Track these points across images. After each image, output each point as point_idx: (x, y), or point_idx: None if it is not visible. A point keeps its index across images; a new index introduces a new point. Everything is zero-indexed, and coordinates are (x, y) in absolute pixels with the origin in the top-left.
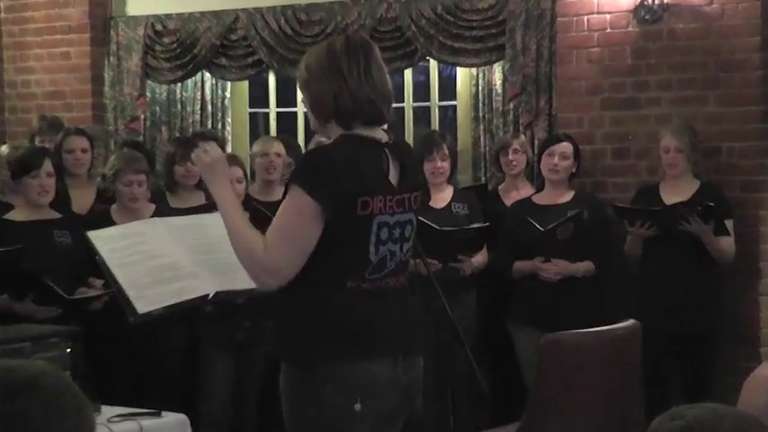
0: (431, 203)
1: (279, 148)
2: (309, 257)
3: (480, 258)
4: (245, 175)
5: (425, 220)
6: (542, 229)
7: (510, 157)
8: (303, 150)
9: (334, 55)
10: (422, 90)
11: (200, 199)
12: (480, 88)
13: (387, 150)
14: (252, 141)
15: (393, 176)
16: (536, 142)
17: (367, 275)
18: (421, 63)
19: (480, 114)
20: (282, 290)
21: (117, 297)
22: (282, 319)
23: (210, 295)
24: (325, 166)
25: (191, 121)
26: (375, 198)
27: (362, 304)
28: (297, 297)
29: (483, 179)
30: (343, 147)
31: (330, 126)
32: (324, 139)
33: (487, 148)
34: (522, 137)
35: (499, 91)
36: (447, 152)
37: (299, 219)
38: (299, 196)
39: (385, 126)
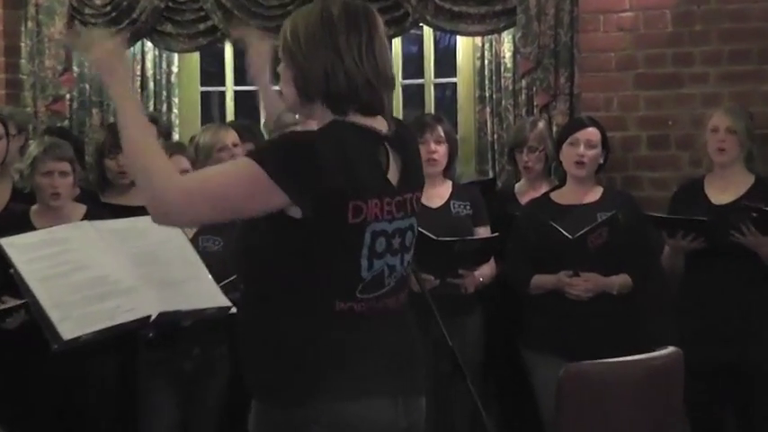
0: (424, 201)
1: (234, 136)
2: (287, 271)
3: (487, 271)
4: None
5: (419, 228)
6: (571, 237)
7: (525, 157)
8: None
9: (331, 24)
10: (414, 64)
11: (136, 196)
12: (486, 62)
13: (386, 143)
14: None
15: (393, 175)
16: (554, 128)
17: (359, 295)
18: (413, 31)
19: (486, 94)
20: (253, 311)
21: (37, 319)
22: (255, 347)
23: (152, 317)
24: (307, 159)
25: None
26: (371, 202)
27: (355, 330)
28: (274, 321)
29: (490, 173)
30: (333, 136)
31: (315, 107)
32: (294, 123)
33: (495, 136)
34: (541, 125)
35: (509, 65)
36: (443, 135)
37: (242, 180)
38: (254, 167)
39: (385, 114)
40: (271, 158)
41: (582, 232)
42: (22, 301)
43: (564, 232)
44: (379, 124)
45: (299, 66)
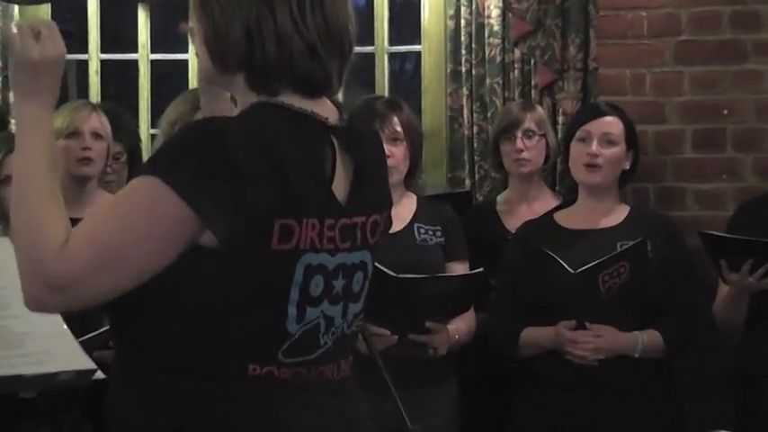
0: None
1: (99, 120)
2: (181, 320)
3: (464, 325)
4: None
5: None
6: (573, 272)
7: (518, 143)
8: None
9: None
10: (360, 24)
11: None
12: (463, 22)
13: (334, 138)
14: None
15: (340, 186)
16: (560, 119)
17: (282, 357)
18: None
19: (462, 69)
20: (128, 378)
21: None
22: (132, 428)
23: None
24: (218, 158)
25: None
26: (306, 222)
27: (275, 406)
28: (158, 392)
29: (467, 183)
30: (256, 124)
31: (235, 80)
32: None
33: (475, 129)
34: (541, 109)
35: (496, 28)
36: (401, 130)
37: (143, 223)
38: (158, 190)
39: (334, 96)
40: (172, 166)
41: (588, 266)
42: None
43: (564, 265)
44: (325, 110)
45: (212, 19)
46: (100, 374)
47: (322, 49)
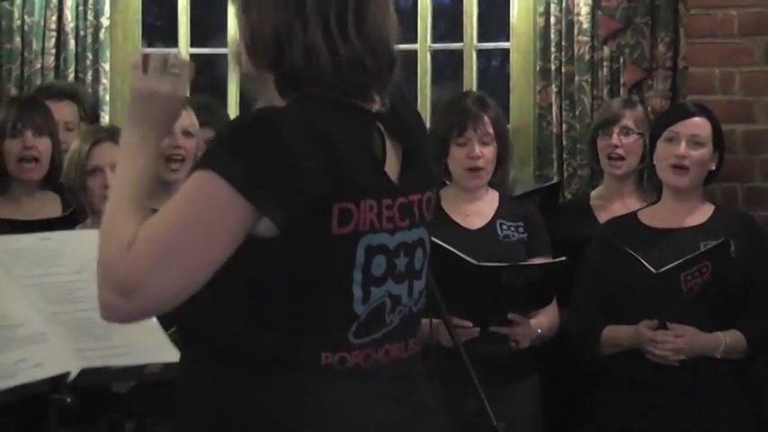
0: (459, 220)
1: (188, 118)
2: (250, 312)
3: (545, 319)
4: None
5: (450, 248)
6: (655, 272)
7: (614, 139)
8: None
9: None
10: (446, 21)
11: (51, 205)
12: (552, 20)
13: (380, 124)
14: None
15: (392, 167)
16: (649, 117)
17: (352, 339)
18: None
19: (551, 67)
20: (203, 369)
21: None
22: (206, 420)
23: (72, 375)
24: (271, 146)
25: (38, 66)
26: (364, 204)
27: (348, 398)
28: (232, 383)
29: (555, 179)
30: (305, 112)
31: (268, 80)
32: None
33: (564, 127)
34: (642, 108)
35: (585, 26)
36: (491, 130)
37: (202, 218)
38: (212, 183)
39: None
40: (225, 159)
41: (671, 266)
42: None
43: (647, 265)
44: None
45: (250, 18)
46: None
47: (352, 65)
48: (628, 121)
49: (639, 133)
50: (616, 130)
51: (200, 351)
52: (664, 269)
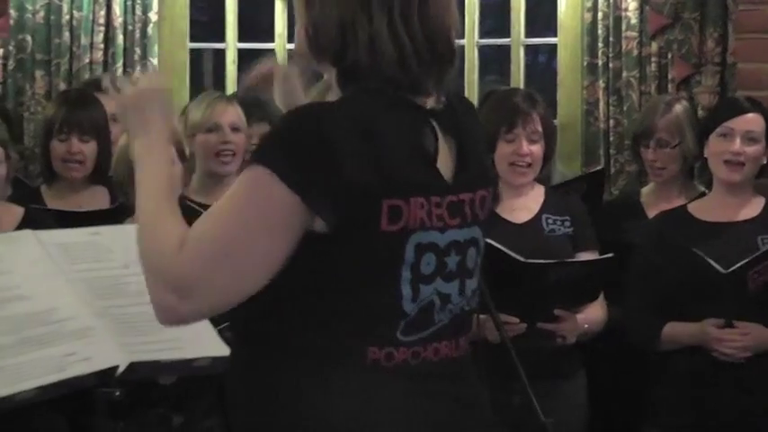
0: (505, 214)
1: (235, 114)
2: (298, 308)
3: (592, 315)
4: (183, 156)
5: (496, 245)
6: (725, 271)
7: (650, 154)
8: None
9: None
10: (494, 16)
11: (99, 198)
12: (599, 16)
13: (433, 121)
14: (194, 97)
15: (444, 165)
16: (698, 113)
17: (400, 337)
18: None
19: (599, 62)
20: (252, 364)
21: None
22: (255, 415)
23: (120, 369)
24: (317, 143)
25: (87, 61)
26: (414, 201)
27: (395, 396)
28: (280, 378)
29: (599, 167)
30: (354, 109)
31: (329, 72)
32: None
33: (611, 122)
34: (678, 108)
35: (633, 21)
36: (539, 128)
37: (255, 214)
38: (265, 180)
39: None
40: (276, 155)
41: (740, 265)
42: None
43: (715, 265)
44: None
45: (313, 12)
46: None
47: (415, 61)
48: (663, 132)
49: (677, 144)
50: (652, 143)
51: (250, 346)
52: (733, 268)
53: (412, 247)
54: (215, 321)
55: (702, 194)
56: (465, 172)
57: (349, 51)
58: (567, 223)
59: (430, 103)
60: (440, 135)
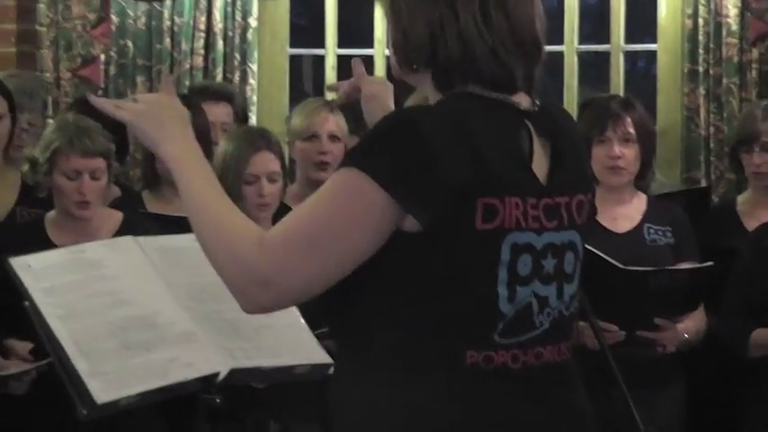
0: (606, 223)
1: (336, 123)
2: (393, 310)
3: (692, 324)
4: (284, 167)
5: (597, 251)
6: None
7: (755, 158)
8: None
9: None
10: (593, 21)
11: None
12: (700, 22)
13: (529, 122)
14: (294, 105)
15: (540, 166)
16: None
17: (498, 339)
18: None
19: (699, 69)
20: (352, 369)
21: (58, 372)
22: (358, 422)
23: (221, 375)
24: (413, 144)
25: (187, 66)
26: (509, 201)
27: (499, 402)
28: (382, 384)
29: (702, 183)
30: (450, 111)
31: (424, 80)
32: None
33: (712, 129)
34: None
35: (734, 27)
36: (633, 131)
37: (345, 213)
38: (355, 179)
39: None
40: (369, 156)
41: None
42: (34, 365)
43: None
44: (516, 97)
45: (401, 21)
46: None
47: (504, 51)
48: (766, 136)
49: None
50: (756, 147)
51: (350, 353)
52: None
53: (508, 246)
54: (314, 326)
55: None
56: (561, 175)
57: (441, 51)
58: (669, 234)
59: (524, 104)
60: (534, 137)
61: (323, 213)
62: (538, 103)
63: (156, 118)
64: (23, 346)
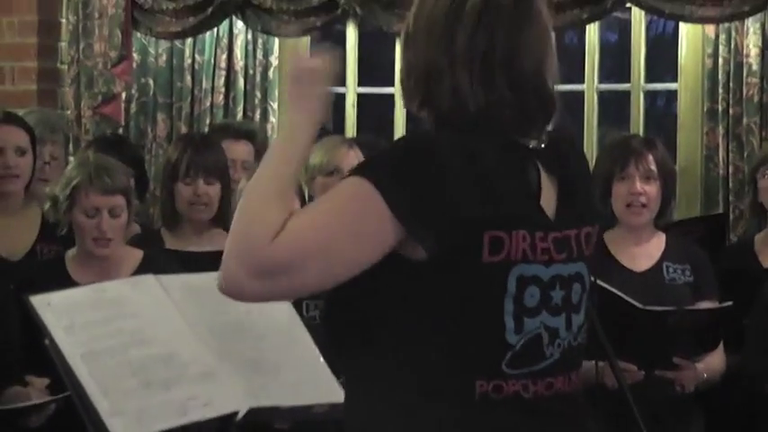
0: (625, 262)
1: (355, 158)
2: (401, 339)
3: (713, 363)
4: (303, 200)
5: (615, 291)
6: None
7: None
8: None
9: (459, 12)
10: (615, 60)
11: (218, 241)
12: (720, 61)
13: (537, 160)
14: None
15: (548, 200)
16: None
17: (506, 369)
18: (615, 14)
19: (719, 108)
20: (361, 403)
21: (78, 409)
22: None
23: (240, 414)
24: (427, 170)
25: (208, 104)
26: (516, 234)
27: (508, 425)
28: (392, 417)
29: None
30: (462, 141)
31: (425, 114)
32: None
33: (731, 168)
34: None
35: (755, 67)
36: (655, 169)
37: (351, 212)
38: (367, 192)
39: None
40: (383, 171)
41: None
42: (51, 398)
43: None
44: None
45: (408, 56)
46: None
47: (504, 107)
48: None
49: None
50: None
51: (358, 385)
52: None
53: (514, 278)
54: (336, 371)
55: None
56: (568, 209)
57: (433, 97)
58: (688, 272)
59: (532, 142)
60: (543, 173)
61: (332, 220)
62: (545, 139)
63: (301, 86)
64: (41, 382)
